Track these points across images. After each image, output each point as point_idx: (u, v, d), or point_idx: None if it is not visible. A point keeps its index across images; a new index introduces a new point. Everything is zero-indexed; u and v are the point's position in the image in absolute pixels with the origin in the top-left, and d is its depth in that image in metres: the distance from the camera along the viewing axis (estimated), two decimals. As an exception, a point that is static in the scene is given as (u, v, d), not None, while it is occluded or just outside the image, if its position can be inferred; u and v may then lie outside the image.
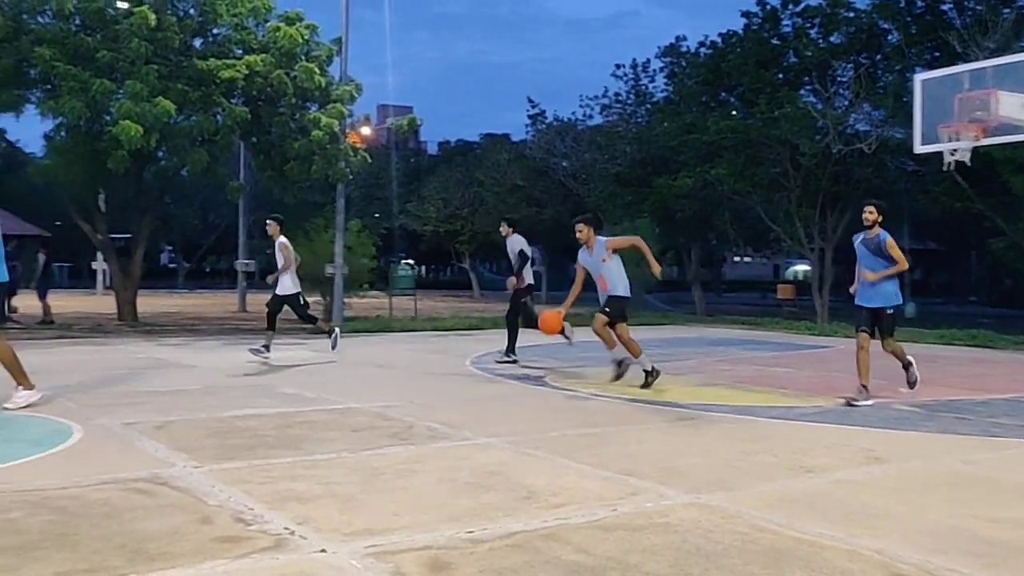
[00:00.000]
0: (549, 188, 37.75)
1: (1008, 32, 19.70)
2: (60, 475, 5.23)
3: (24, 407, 7.59)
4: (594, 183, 33.66)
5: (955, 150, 13.32)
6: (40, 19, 17.05)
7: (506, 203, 38.89)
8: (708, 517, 4.57)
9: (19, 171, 34.26)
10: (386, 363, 12.49)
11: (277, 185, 19.97)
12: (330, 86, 18.88)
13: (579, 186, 34.63)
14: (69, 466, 5.51)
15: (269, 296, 12.64)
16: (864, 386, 8.60)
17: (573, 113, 38.41)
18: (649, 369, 9.66)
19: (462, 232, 45.34)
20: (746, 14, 26.35)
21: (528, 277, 12.64)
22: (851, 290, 9.01)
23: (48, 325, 17.92)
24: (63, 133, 17.88)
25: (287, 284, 12.30)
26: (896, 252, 8.51)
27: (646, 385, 9.53)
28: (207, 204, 50.02)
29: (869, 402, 8.48)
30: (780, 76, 25.59)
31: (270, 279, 12.52)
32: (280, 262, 12.24)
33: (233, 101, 17.92)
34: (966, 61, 17.49)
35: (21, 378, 7.76)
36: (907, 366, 8.95)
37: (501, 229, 13.12)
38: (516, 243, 12.63)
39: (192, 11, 18.25)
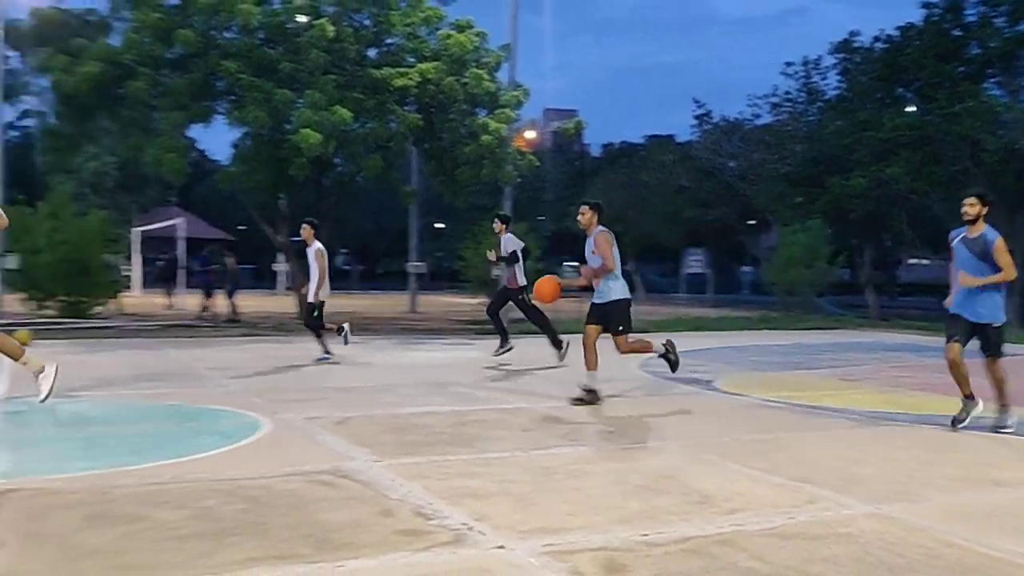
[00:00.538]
0: (715, 189, 37.09)
1: None
2: (249, 466, 5.53)
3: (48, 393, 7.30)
4: (762, 183, 32.85)
5: None
6: (226, 34, 18.05)
7: (671, 204, 38.47)
8: (890, 529, 4.41)
9: (207, 179, 36.29)
10: (551, 362, 12.54)
11: (447, 189, 20.42)
12: (499, 91, 19.18)
13: (747, 186, 33.88)
14: (257, 458, 5.82)
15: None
16: (970, 396, 7.45)
17: (740, 112, 37.48)
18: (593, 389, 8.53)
19: (626, 234, 45.14)
20: (926, 4, 25.24)
21: (521, 278, 12.41)
22: (946, 304, 7.61)
23: (235, 324, 18.95)
24: (248, 142, 18.86)
25: (323, 291, 11.97)
26: (1005, 258, 7.10)
27: (580, 401, 8.41)
28: (380, 209, 51.76)
29: (980, 408, 7.47)
30: (962, 69, 24.36)
31: (309, 290, 12.10)
32: (314, 269, 11.84)
33: (406, 108, 18.45)
34: None
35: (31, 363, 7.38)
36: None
37: (494, 225, 12.91)
38: (509, 243, 12.51)
39: (367, 22, 18.91)
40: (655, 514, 4.59)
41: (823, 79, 31.64)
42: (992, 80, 23.81)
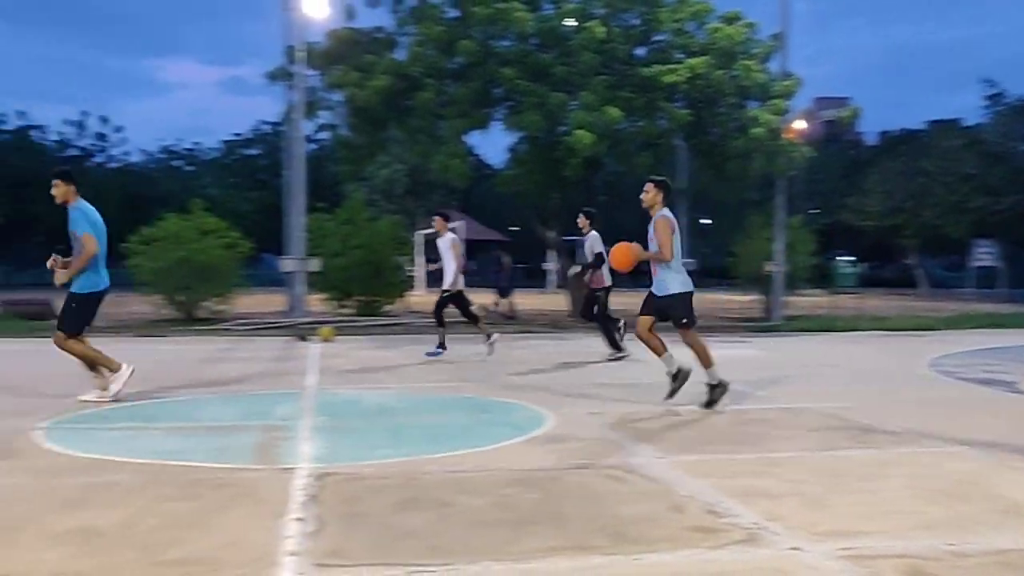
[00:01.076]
0: (1008, 175, 34.28)
1: None
2: (541, 457, 5.79)
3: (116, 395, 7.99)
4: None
5: None
6: (503, 42, 18.79)
7: (957, 193, 35.90)
8: None
9: (483, 183, 37.95)
10: (832, 363, 12.15)
11: (716, 184, 20.22)
12: (770, 82, 18.73)
13: (1047, 172, 31.04)
14: (548, 450, 6.06)
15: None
16: None
17: (1040, 91, 34.49)
18: (716, 383, 7.92)
19: (906, 226, 42.59)
20: None
21: (608, 278, 11.73)
22: None
23: (511, 321, 19.71)
24: (524, 145, 19.54)
25: (457, 280, 11.90)
26: None
27: (710, 403, 7.85)
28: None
29: None
30: None
31: (445, 278, 12.05)
32: (450, 259, 11.82)
33: (675, 104, 18.44)
34: None
35: (108, 365, 8.07)
36: None
37: (578, 221, 12.15)
38: (596, 243, 11.76)
39: (636, 21, 19.05)
40: (960, 522, 4.37)
41: None
42: None
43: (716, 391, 7.86)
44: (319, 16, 18.50)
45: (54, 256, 7.95)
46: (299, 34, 18.34)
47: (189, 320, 17.92)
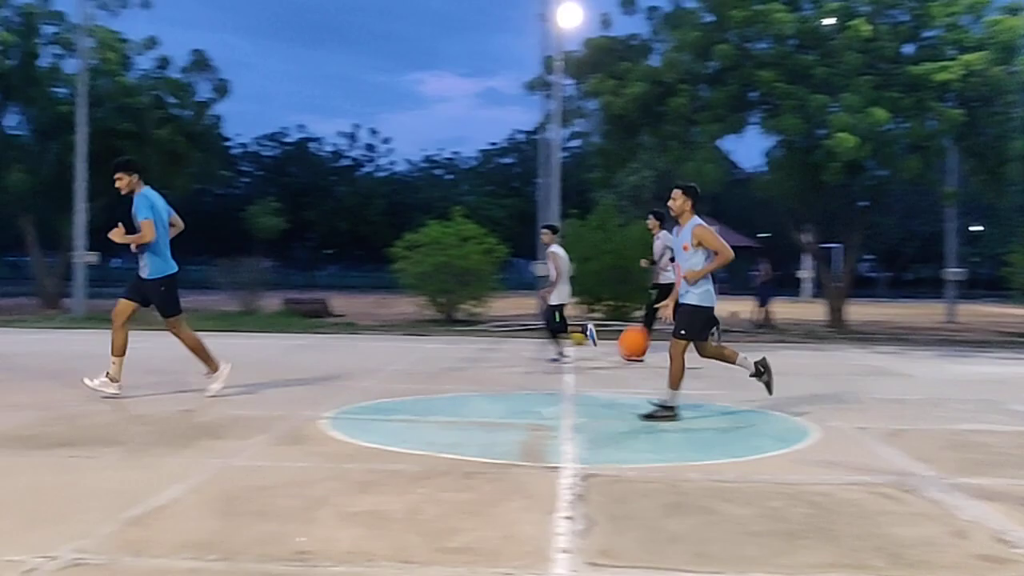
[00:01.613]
0: None
1: None
2: (809, 471, 5.63)
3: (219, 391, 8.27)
4: None
5: None
6: (760, 45, 18.40)
7: None
8: None
9: (736, 188, 37.09)
10: None
11: (990, 189, 18.90)
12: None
13: None
14: (814, 464, 5.89)
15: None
16: None
17: None
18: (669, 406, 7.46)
19: None
20: None
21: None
22: None
23: (768, 330, 19.25)
24: (781, 149, 19.04)
25: (561, 294, 11.89)
26: None
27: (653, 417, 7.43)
28: (909, 212, 48.95)
29: None
30: None
31: (542, 293, 12.66)
32: (552, 272, 11.88)
33: (946, 104, 17.35)
34: None
35: (208, 362, 8.37)
36: None
37: (648, 223, 12.00)
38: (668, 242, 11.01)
39: (904, 17, 18.10)
40: None
41: None
42: None
43: (666, 412, 7.50)
44: (574, 26, 18.88)
45: (120, 225, 8.14)
46: (556, 45, 18.78)
47: (449, 321, 18.79)
